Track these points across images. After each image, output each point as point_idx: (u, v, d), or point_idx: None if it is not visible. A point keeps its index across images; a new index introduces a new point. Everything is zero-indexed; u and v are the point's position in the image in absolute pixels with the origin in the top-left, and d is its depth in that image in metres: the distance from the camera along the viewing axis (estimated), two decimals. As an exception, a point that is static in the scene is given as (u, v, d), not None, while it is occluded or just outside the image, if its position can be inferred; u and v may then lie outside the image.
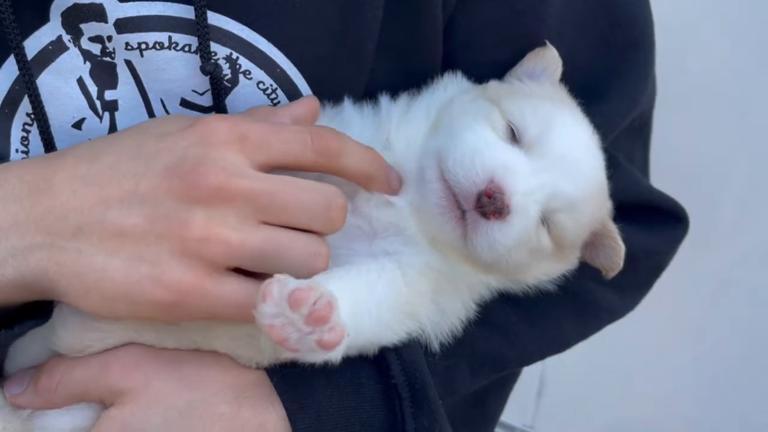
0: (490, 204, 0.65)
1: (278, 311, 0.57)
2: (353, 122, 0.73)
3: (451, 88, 0.75)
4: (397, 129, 0.72)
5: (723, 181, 1.74)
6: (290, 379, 0.67)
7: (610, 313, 0.84)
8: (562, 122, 0.71)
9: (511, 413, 2.15)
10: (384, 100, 0.74)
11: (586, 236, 0.74)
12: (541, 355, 0.79)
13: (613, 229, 0.74)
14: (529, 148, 0.69)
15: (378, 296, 0.66)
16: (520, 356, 0.77)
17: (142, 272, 0.59)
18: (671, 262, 0.87)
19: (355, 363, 0.68)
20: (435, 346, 0.71)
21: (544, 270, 0.73)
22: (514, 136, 0.70)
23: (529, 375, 2.08)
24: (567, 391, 2.09)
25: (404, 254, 0.69)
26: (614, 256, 0.74)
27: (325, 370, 0.65)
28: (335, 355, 0.60)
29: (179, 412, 0.65)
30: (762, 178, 1.74)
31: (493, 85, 0.75)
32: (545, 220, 0.69)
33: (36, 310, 0.66)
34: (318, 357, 0.60)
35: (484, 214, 0.65)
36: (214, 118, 0.63)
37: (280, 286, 0.57)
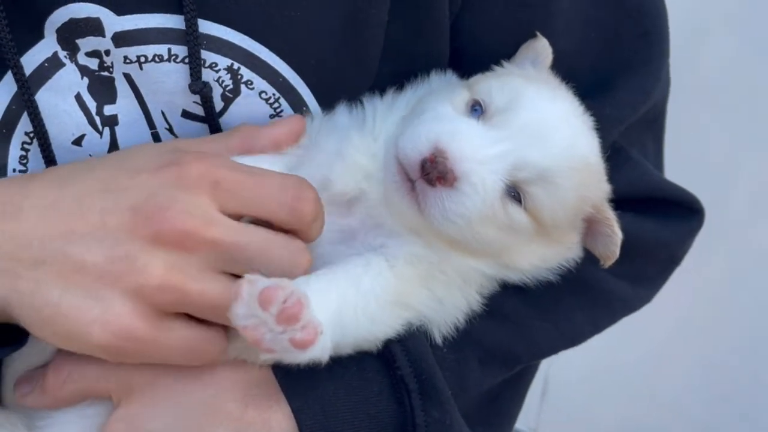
0: (432, 169, 0.64)
1: (250, 311, 0.57)
2: (342, 123, 0.73)
3: (436, 83, 0.75)
4: (381, 123, 0.73)
5: (731, 180, 1.74)
6: (294, 376, 0.67)
7: (624, 304, 0.83)
8: (533, 94, 0.70)
9: (514, 415, 2.13)
10: (369, 97, 0.75)
11: (573, 217, 0.71)
12: (553, 349, 0.78)
13: (611, 217, 0.71)
14: (492, 119, 0.68)
15: (365, 290, 0.66)
16: (532, 350, 0.76)
17: (94, 314, 0.59)
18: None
19: (360, 356, 0.68)
20: (437, 337, 0.70)
21: (537, 255, 0.71)
22: (478, 112, 0.69)
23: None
24: (571, 392, 2.07)
25: (389, 246, 0.69)
26: (610, 244, 0.71)
27: (330, 365, 0.64)
28: (317, 355, 0.60)
29: (186, 410, 0.66)
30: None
31: (476, 75, 0.75)
32: (518, 194, 0.67)
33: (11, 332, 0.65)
34: (297, 357, 0.60)
35: (430, 182, 0.64)
36: (191, 157, 0.62)
37: (249, 285, 0.57)
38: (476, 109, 0.70)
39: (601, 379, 1.99)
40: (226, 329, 0.64)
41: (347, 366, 0.67)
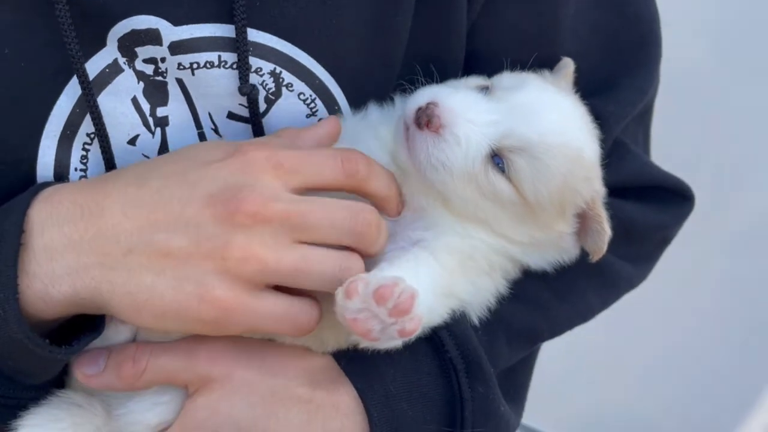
0: (422, 114, 0.71)
1: (364, 306, 0.63)
2: (375, 120, 0.79)
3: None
4: None
5: (693, 170, 1.82)
6: (356, 362, 0.73)
7: (627, 282, 0.91)
8: (538, 85, 0.76)
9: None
10: (397, 97, 0.80)
11: (558, 202, 0.74)
12: (570, 326, 0.86)
13: (602, 214, 0.76)
14: (494, 95, 0.74)
15: (422, 282, 0.70)
16: (552, 328, 0.84)
17: (189, 291, 0.64)
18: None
19: (411, 343, 0.73)
20: (474, 320, 0.77)
21: (526, 233, 0.76)
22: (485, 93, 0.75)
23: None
24: (546, 375, 2.14)
25: (428, 239, 0.74)
26: (599, 240, 0.76)
27: (384, 352, 0.70)
28: (400, 342, 0.68)
29: (261, 397, 0.71)
30: (732, 166, 1.83)
31: None
32: (502, 164, 0.72)
33: (90, 322, 0.70)
34: (391, 344, 0.67)
35: (419, 126, 0.71)
36: (252, 147, 0.68)
37: (364, 283, 0.63)
38: (485, 91, 0.76)
39: (577, 363, 2.03)
40: None
41: (401, 351, 0.72)
